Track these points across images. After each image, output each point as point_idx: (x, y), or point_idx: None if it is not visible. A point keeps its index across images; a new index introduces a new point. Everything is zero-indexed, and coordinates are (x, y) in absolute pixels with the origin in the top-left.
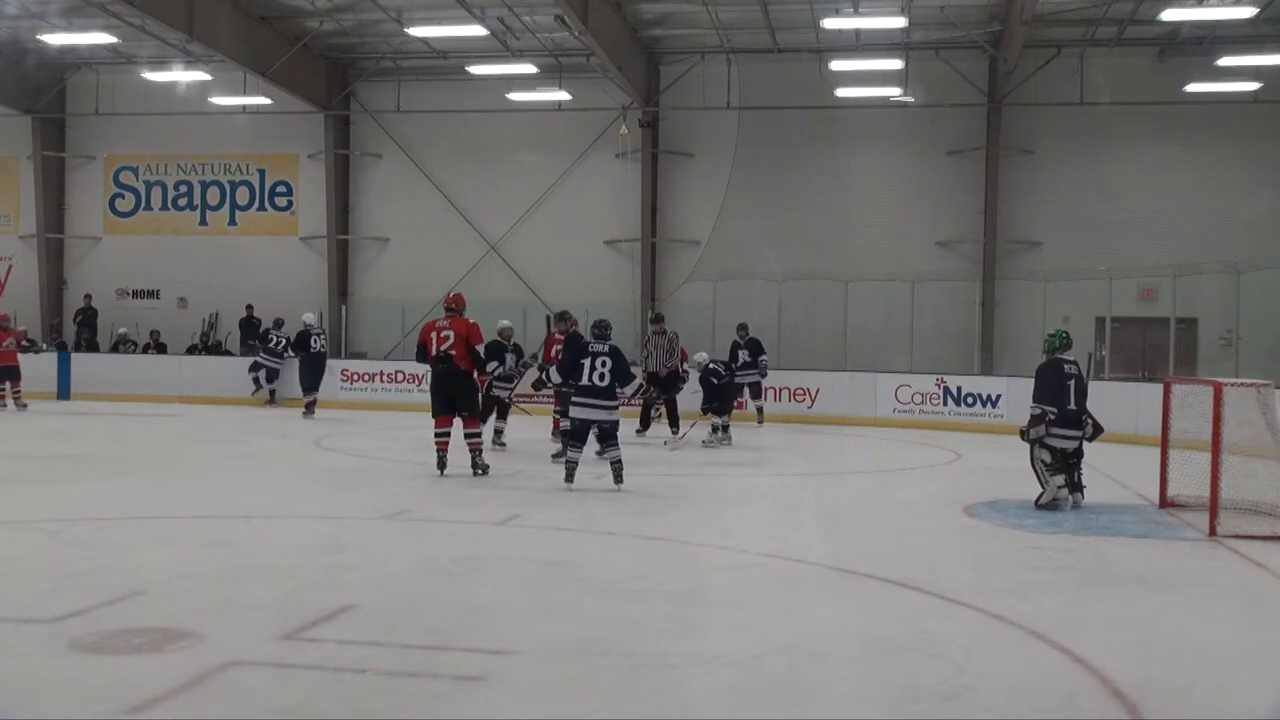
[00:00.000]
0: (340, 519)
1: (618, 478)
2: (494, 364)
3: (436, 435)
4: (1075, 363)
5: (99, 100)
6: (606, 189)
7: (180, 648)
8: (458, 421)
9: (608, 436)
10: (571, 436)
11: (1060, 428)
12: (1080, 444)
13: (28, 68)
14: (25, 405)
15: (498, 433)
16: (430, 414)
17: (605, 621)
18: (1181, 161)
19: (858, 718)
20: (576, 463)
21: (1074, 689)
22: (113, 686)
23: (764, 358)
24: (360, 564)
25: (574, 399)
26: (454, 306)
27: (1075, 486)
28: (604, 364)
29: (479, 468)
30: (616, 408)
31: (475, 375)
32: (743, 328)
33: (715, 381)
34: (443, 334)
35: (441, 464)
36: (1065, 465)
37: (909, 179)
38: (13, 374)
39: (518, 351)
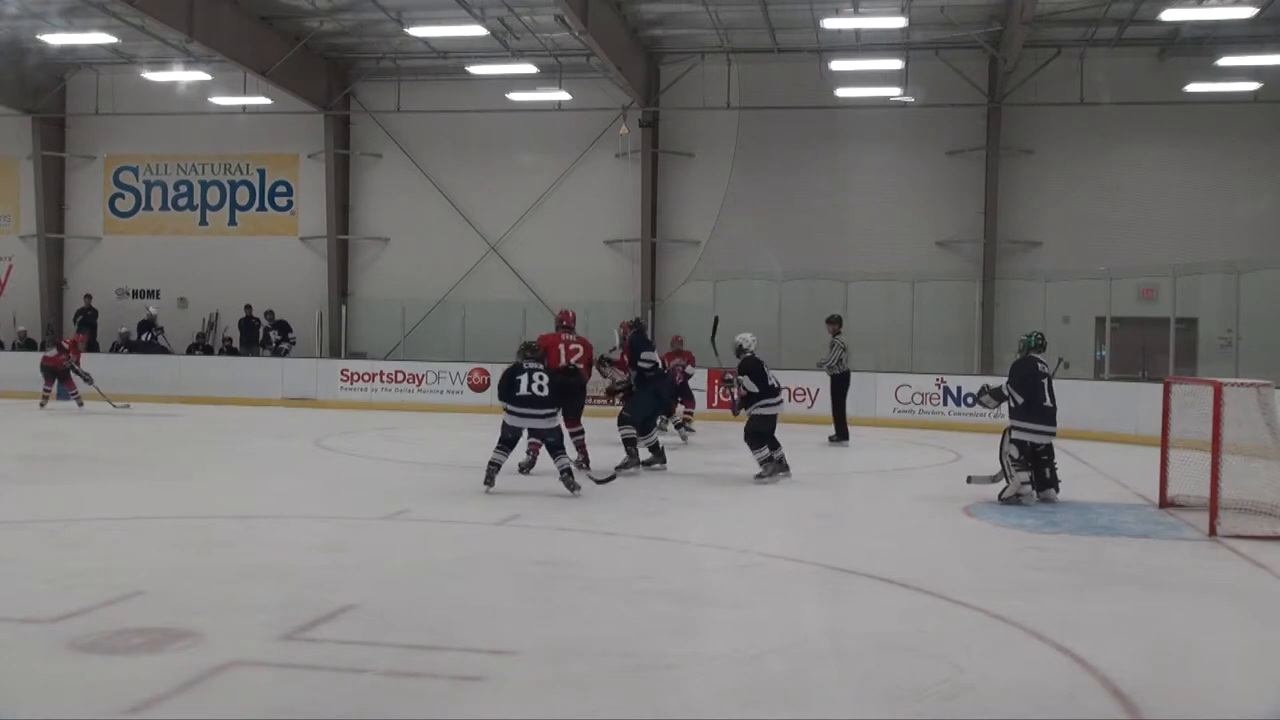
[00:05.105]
0: (340, 519)
1: (570, 486)
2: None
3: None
4: (1046, 362)
5: (99, 100)
6: (606, 189)
7: (180, 648)
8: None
9: (555, 448)
10: (501, 441)
11: (1035, 423)
12: (1051, 441)
13: (28, 68)
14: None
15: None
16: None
17: (605, 621)
18: (1181, 161)
19: (858, 718)
20: (499, 466)
21: (1074, 689)
22: (113, 686)
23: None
24: (360, 564)
25: (510, 409)
26: (572, 324)
27: (1049, 482)
28: (540, 378)
29: (586, 462)
30: (555, 415)
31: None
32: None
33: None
34: (571, 346)
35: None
36: (1035, 462)
37: (909, 179)
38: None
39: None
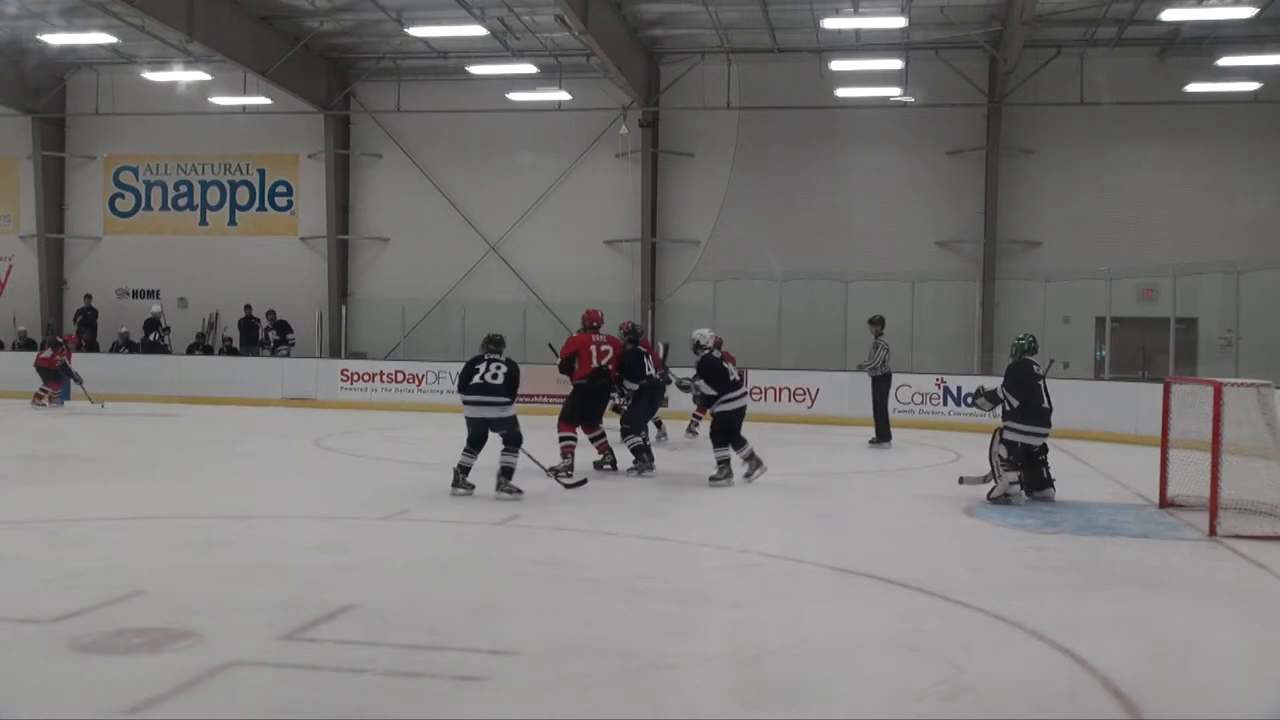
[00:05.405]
0: (340, 519)
1: (498, 485)
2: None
3: (565, 439)
4: (1039, 364)
5: (99, 100)
6: (606, 189)
7: (180, 648)
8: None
9: (508, 441)
10: (468, 442)
11: (1031, 424)
12: (1045, 441)
13: (28, 68)
14: (44, 404)
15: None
16: (562, 419)
17: (605, 621)
18: (1181, 161)
19: (858, 718)
20: (467, 469)
21: (1074, 689)
22: (113, 686)
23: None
24: (360, 564)
25: (463, 398)
26: (599, 324)
27: (1047, 481)
28: (497, 367)
29: (608, 463)
30: (509, 405)
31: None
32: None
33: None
34: (602, 348)
35: (570, 469)
36: (1032, 462)
37: (909, 179)
38: (48, 377)
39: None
